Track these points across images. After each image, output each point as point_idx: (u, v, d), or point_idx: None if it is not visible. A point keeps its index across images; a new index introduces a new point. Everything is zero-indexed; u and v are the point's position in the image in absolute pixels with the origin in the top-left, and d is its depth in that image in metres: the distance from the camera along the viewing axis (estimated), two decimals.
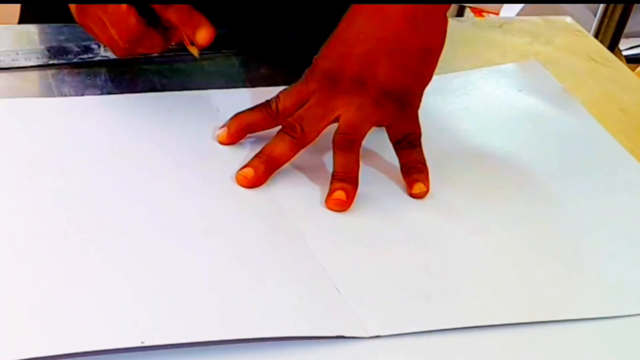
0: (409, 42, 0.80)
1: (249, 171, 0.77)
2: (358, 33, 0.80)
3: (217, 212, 0.74)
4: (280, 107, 0.80)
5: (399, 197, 0.78)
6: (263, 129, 0.81)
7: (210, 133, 0.81)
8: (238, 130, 0.81)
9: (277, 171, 0.78)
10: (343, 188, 0.76)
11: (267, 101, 0.81)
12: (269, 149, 0.78)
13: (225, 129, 0.81)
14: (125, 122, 0.81)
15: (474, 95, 0.93)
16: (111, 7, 0.80)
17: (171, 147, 0.80)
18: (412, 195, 0.79)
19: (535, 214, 0.79)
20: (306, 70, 0.81)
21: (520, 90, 0.94)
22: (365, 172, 0.79)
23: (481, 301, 0.69)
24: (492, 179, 0.82)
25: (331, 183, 0.77)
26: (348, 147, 0.78)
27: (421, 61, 0.81)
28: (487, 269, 0.73)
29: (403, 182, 0.79)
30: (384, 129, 0.81)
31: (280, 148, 0.78)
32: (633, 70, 1.64)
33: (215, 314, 0.64)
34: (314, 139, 0.79)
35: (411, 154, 0.80)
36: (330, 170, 0.78)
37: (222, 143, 0.81)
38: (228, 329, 0.63)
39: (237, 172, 0.77)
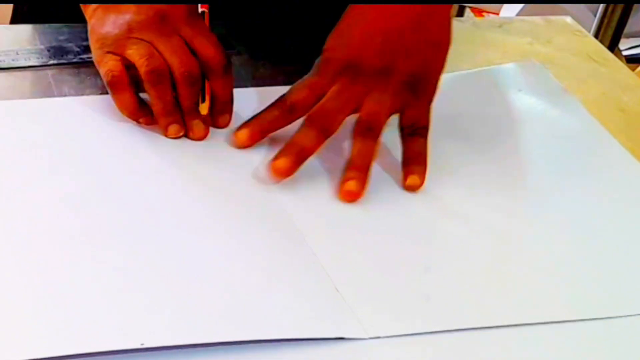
0: (418, 36, 0.81)
1: (282, 162, 0.77)
2: (367, 28, 0.81)
3: (216, 212, 0.74)
4: (295, 102, 0.80)
5: (399, 197, 0.78)
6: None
7: (215, 135, 0.81)
8: (259, 131, 0.81)
9: None
10: (356, 177, 0.77)
11: (282, 97, 0.81)
12: (298, 141, 0.78)
13: (245, 130, 0.81)
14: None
15: (473, 95, 0.93)
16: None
17: (171, 146, 0.80)
18: (405, 187, 0.79)
19: (536, 214, 0.79)
20: (316, 63, 0.81)
21: (520, 90, 0.94)
22: None
23: (481, 302, 0.69)
24: (492, 179, 0.82)
25: (345, 170, 0.77)
26: (368, 136, 0.79)
27: (433, 53, 0.82)
28: (487, 269, 0.73)
29: (401, 178, 0.79)
30: (392, 126, 0.81)
31: (309, 140, 0.78)
32: (633, 70, 1.64)
33: (215, 315, 0.64)
34: (336, 130, 0.79)
35: (414, 144, 0.80)
36: (331, 171, 0.78)
37: (243, 145, 0.80)
38: (228, 331, 0.63)
39: (270, 164, 0.77)
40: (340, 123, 0.79)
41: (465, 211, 0.78)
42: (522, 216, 0.78)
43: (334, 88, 0.80)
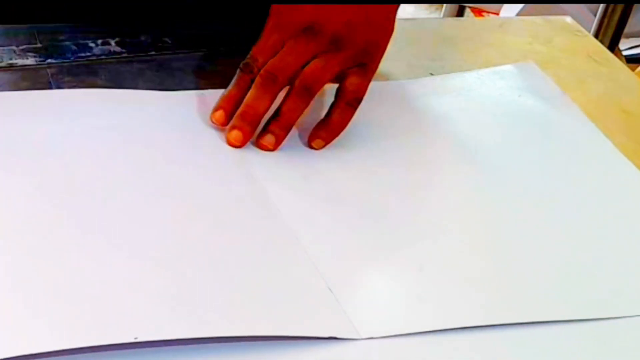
0: (372, 16, 0.83)
1: (236, 133, 0.79)
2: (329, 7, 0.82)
3: (209, 210, 0.74)
4: (260, 67, 0.81)
5: (393, 196, 0.78)
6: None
7: (209, 132, 0.81)
8: (232, 106, 0.81)
9: (272, 171, 0.78)
10: (277, 135, 0.80)
11: (246, 66, 0.82)
12: (249, 103, 0.80)
13: (220, 111, 0.81)
14: (125, 122, 0.81)
15: (470, 96, 0.93)
16: None
17: (169, 145, 0.80)
18: (309, 146, 0.81)
19: (531, 215, 0.79)
20: (272, 21, 0.82)
21: (520, 96, 0.94)
22: (359, 171, 0.79)
23: (476, 302, 0.69)
24: (487, 180, 0.82)
25: (269, 122, 0.80)
26: (303, 94, 0.80)
27: (382, 34, 0.84)
28: (482, 269, 0.72)
29: (396, 179, 0.79)
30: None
31: (261, 99, 0.80)
32: (633, 70, 1.64)
33: (208, 312, 0.64)
34: (285, 82, 0.80)
35: (344, 113, 0.82)
36: (327, 171, 0.78)
37: (221, 124, 0.81)
38: (220, 327, 0.63)
39: (226, 135, 0.80)
40: (289, 76, 0.80)
41: (460, 212, 0.78)
42: (517, 216, 0.78)
43: (288, 44, 0.81)
